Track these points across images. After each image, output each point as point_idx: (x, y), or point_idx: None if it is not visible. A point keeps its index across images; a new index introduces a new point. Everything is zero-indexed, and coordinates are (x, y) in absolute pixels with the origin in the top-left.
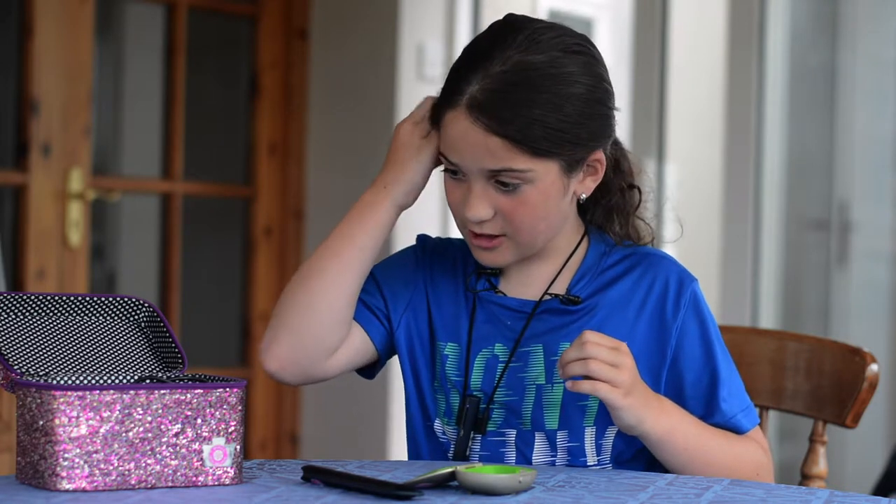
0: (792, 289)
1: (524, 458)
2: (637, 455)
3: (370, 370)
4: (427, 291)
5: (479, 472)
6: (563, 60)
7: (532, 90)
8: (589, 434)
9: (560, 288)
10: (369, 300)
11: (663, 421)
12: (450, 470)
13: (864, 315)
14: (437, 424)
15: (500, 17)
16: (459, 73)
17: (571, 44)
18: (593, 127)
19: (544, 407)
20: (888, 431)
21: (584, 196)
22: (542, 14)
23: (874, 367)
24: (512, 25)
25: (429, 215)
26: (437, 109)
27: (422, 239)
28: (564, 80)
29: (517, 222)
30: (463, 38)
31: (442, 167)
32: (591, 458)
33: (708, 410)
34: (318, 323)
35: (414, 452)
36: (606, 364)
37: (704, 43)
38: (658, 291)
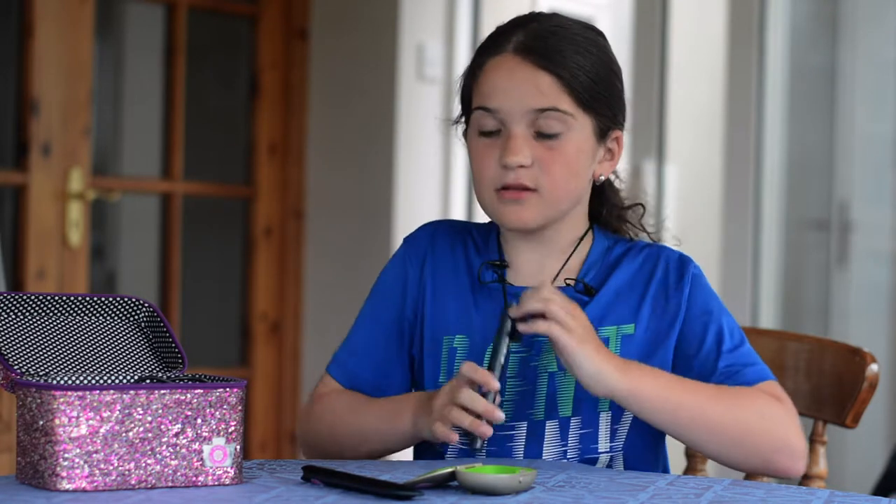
0: (792, 289)
1: (534, 452)
2: (649, 447)
3: None
4: (425, 291)
5: (479, 472)
6: (592, 34)
7: (574, 42)
8: (604, 419)
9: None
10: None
11: (627, 379)
12: (450, 470)
13: (864, 315)
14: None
15: (500, 17)
16: (496, 34)
17: (594, 28)
18: (619, 99)
19: (558, 394)
20: (888, 431)
21: (602, 178)
22: None
23: (874, 367)
24: (537, 12)
25: (430, 216)
26: (472, 69)
27: (409, 241)
28: (596, 48)
29: (553, 173)
30: (463, 38)
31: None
32: (603, 445)
33: (712, 369)
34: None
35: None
36: (560, 307)
37: (704, 43)
38: (660, 274)
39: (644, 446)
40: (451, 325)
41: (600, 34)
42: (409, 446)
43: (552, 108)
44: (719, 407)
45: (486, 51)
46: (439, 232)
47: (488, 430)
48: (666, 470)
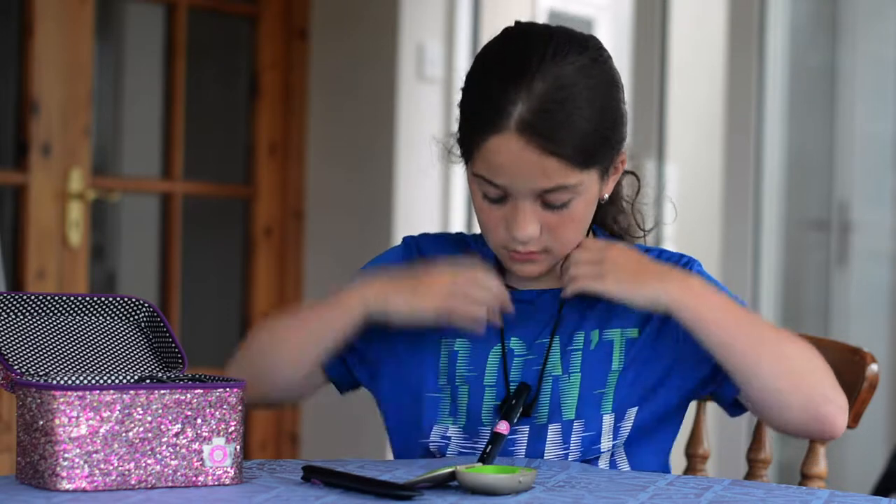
0: (792, 289)
1: (536, 455)
2: (651, 449)
3: (339, 387)
4: None
5: (479, 472)
6: (592, 68)
7: (578, 104)
8: (607, 420)
9: None
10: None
11: (686, 297)
12: (450, 470)
13: (864, 315)
14: (436, 430)
15: (500, 17)
16: (495, 93)
17: (589, 46)
18: (623, 127)
19: (561, 397)
20: (888, 431)
21: (606, 196)
22: (542, 14)
23: (874, 367)
24: (531, 35)
25: (430, 216)
26: (472, 134)
27: (409, 241)
28: (600, 87)
29: (564, 237)
30: (463, 38)
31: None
32: (605, 444)
33: None
34: (274, 377)
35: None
36: (585, 264)
37: (704, 43)
38: None
39: (646, 445)
40: (450, 329)
41: (600, 60)
42: (354, 332)
43: (557, 187)
44: (775, 338)
45: (487, 120)
46: (439, 244)
47: (509, 306)
48: (666, 469)
